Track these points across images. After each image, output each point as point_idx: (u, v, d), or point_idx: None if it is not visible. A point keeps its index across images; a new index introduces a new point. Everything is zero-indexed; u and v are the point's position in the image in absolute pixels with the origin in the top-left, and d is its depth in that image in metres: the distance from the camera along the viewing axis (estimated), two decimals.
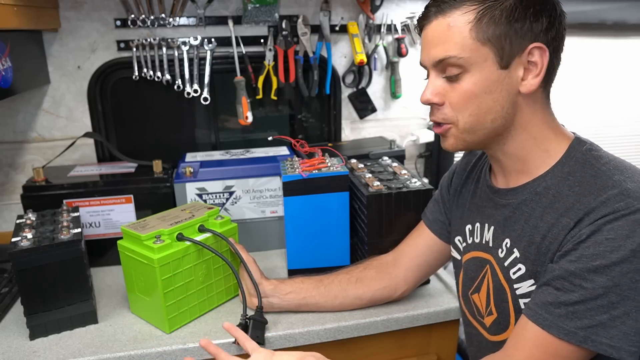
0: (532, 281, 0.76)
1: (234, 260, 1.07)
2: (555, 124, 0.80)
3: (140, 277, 1.01)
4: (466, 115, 0.77)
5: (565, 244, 0.71)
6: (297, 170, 1.14)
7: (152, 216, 1.09)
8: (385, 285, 1.06)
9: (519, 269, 0.78)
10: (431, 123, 1.71)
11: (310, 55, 1.53)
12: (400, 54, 1.60)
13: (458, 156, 1.74)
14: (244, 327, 0.96)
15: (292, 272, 1.18)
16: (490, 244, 0.86)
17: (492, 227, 0.86)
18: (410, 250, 1.06)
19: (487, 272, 0.87)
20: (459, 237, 0.96)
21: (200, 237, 1.03)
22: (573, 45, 1.78)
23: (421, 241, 1.05)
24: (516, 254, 0.79)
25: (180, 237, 1.00)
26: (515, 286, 0.79)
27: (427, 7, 0.78)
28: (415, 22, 0.83)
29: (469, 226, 0.92)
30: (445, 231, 1.01)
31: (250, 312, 0.99)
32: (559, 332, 0.68)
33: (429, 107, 0.81)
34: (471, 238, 0.91)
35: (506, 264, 0.81)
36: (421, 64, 0.81)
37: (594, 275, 0.66)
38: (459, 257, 0.96)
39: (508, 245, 0.81)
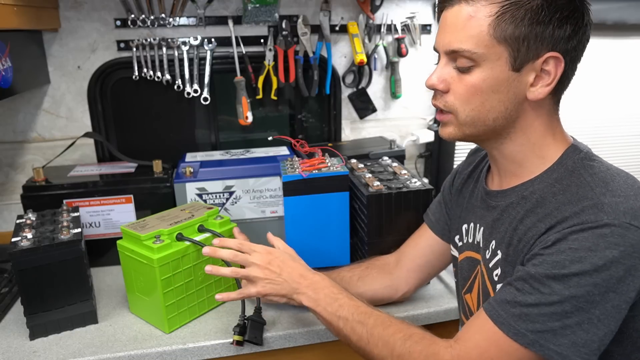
0: None
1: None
2: (558, 130, 0.79)
3: (139, 277, 1.01)
4: (468, 108, 0.76)
5: (533, 248, 0.72)
6: (297, 170, 1.14)
7: (151, 216, 1.09)
8: (386, 285, 1.05)
9: (500, 271, 0.79)
10: (432, 123, 1.72)
11: (310, 55, 1.52)
12: (400, 54, 1.60)
13: (458, 157, 1.74)
14: (242, 327, 0.96)
15: None
16: (480, 245, 0.86)
17: (482, 228, 0.86)
18: (412, 251, 1.06)
19: (477, 273, 0.87)
20: (457, 236, 0.96)
21: (199, 237, 1.03)
22: None
23: (423, 242, 1.05)
24: (499, 256, 0.80)
25: (180, 237, 1.01)
26: (497, 287, 0.79)
27: None
28: (436, 1, 0.80)
29: (465, 225, 0.93)
30: (447, 232, 1.01)
31: (248, 313, 0.99)
32: (509, 331, 0.69)
33: (431, 93, 0.80)
34: (466, 238, 0.92)
35: (490, 265, 0.82)
36: (434, 48, 0.79)
37: (552, 282, 0.67)
38: (457, 256, 0.97)
39: (493, 247, 0.82)
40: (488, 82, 0.73)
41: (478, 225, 0.88)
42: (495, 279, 0.80)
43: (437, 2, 0.80)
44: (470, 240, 0.90)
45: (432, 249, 1.03)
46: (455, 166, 1.72)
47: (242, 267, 0.92)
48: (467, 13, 0.71)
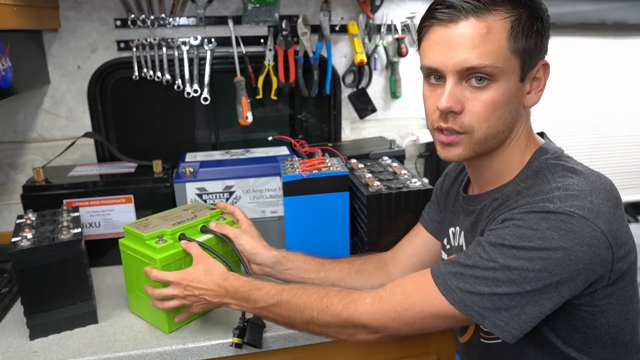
0: None
1: (235, 263, 1.07)
2: (531, 133, 0.82)
3: (141, 276, 1.00)
4: (485, 126, 0.74)
5: (487, 227, 0.75)
6: (297, 170, 1.14)
7: (154, 215, 1.09)
8: (382, 282, 1.05)
9: None
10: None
11: (310, 55, 1.52)
12: (400, 54, 1.60)
13: None
14: (241, 330, 0.96)
15: None
16: (464, 248, 0.87)
17: (463, 232, 0.88)
18: (407, 250, 1.06)
19: None
20: (445, 239, 0.97)
21: (202, 238, 1.03)
22: (573, 45, 1.78)
23: (417, 241, 1.05)
24: None
25: (183, 238, 1.00)
26: None
27: (452, 5, 0.71)
28: (423, 22, 0.76)
29: (452, 229, 0.94)
30: (440, 231, 1.02)
31: (249, 315, 0.99)
32: (440, 284, 0.73)
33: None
34: (453, 241, 0.93)
35: None
36: (432, 68, 0.74)
37: (492, 248, 0.70)
38: (445, 259, 0.97)
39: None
40: (505, 95, 0.73)
41: (459, 229, 0.90)
42: None
43: (424, 19, 0.75)
44: (455, 244, 0.92)
45: (427, 248, 1.04)
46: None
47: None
48: (482, 28, 0.70)
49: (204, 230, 1.05)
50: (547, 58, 0.77)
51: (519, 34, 0.71)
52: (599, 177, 0.75)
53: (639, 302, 0.78)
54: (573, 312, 0.73)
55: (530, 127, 0.82)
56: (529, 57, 0.72)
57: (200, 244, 1.01)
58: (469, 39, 0.70)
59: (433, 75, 0.76)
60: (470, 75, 0.72)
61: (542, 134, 0.86)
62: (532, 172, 0.77)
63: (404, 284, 0.78)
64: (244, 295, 0.89)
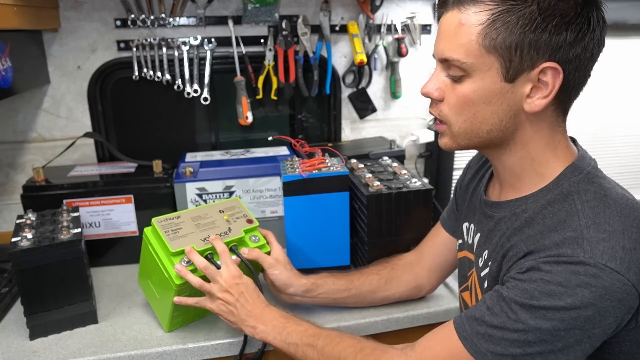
0: None
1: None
2: (561, 145, 0.75)
3: (155, 276, 0.99)
4: (461, 120, 0.73)
5: (510, 270, 0.71)
6: (297, 170, 1.14)
7: (187, 213, 1.00)
8: (412, 286, 1.07)
9: (486, 284, 0.80)
10: (432, 122, 1.71)
11: (310, 55, 1.52)
12: (400, 54, 1.60)
13: (458, 157, 1.74)
14: None
15: None
16: (474, 250, 0.86)
17: (479, 234, 0.86)
18: (430, 251, 1.06)
19: (472, 274, 0.88)
20: (459, 232, 0.96)
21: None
22: None
23: (438, 240, 1.05)
24: (489, 269, 0.79)
25: (209, 259, 0.94)
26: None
27: None
28: (436, 10, 0.78)
29: (466, 224, 0.93)
30: (456, 228, 1.01)
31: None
32: (470, 347, 0.70)
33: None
34: (466, 237, 0.92)
35: (482, 274, 0.82)
36: (432, 54, 0.77)
37: (520, 309, 0.66)
38: (457, 252, 0.97)
39: (485, 257, 0.81)
40: (479, 93, 0.70)
41: (476, 229, 0.88)
42: (485, 287, 0.80)
43: (437, 7, 0.77)
44: (469, 241, 0.90)
45: (447, 247, 1.03)
46: (455, 166, 1.74)
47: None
48: (459, 20, 0.68)
49: (234, 250, 0.97)
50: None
51: (497, 29, 0.65)
52: (632, 207, 0.69)
53: None
54: None
55: (556, 137, 0.74)
56: (515, 55, 0.66)
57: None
58: (447, 29, 0.70)
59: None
60: (449, 66, 0.72)
61: (573, 140, 0.79)
62: (561, 195, 0.71)
63: (433, 348, 0.74)
64: (281, 325, 0.88)
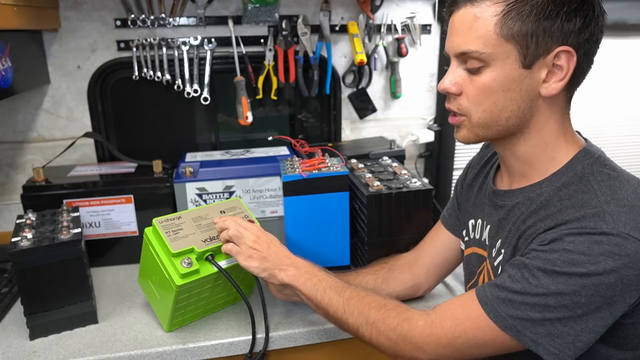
0: None
1: (248, 287, 1.06)
2: (569, 131, 0.79)
3: (156, 277, 0.98)
4: (480, 110, 0.76)
5: (531, 244, 0.73)
6: (297, 170, 1.14)
7: (188, 213, 0.99)
8: (409, 285, 1.07)
9: (502, 270, 0.80)
10: (432, 123, 1.72)
11: (310, 55, 1.52)
12: (400, 54, 1.60)
13: (458, 157, 1.74)
14: None
15: None
16: (487, 243, 0.87)
17: (489, 227, 0.87)
18: (430, 249, 1.07)
19: (483, 269, 0.88)
20: (464, 230, 0.97)
21: (227, 264, 0.96)
22: None
23: (439, 239, 1.05)
24: (503, 254, 0.80)
25: (210, 260, 0.94)
26: None
27: None
28: (446, 7, 0.80)
29: (472, 221, 0.93)
30: (458, 227, 1.02)
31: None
32: (490, 311, 0.71)
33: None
34: (473, 233, 0.93)
35: (495, 263, 0.83)
36: (445, 52, 0.79)
37: (542, 275, 0.68)
38: (463, 250, 0.98)
39: (499, 245, 0.82)
40: (499, 81, 0.73)
41: (485, 222, 0.88)
42: (499, 274, 0.81)
43: (446, 6, 0.80)
44: (477, 237, 0.91)
45: (447, 246, 1.04)
46: (455, 166, 1.74)
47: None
48: (473, 14, 0.72)
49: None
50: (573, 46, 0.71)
51: (513, 18, 0.69)
52: None
53: None
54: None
55: (565, 124, 0.78)
56: (532, 42, 0.70)
57: (225, 274, 0.94)
58: (462, 25, 0.74)
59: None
60: (466, 59, 0.74)
61: (577, 132, 0.83)
62: (575, 177, 0.74)
63: (453, 310, 0.76)
64: (312, 272, 0.90)
